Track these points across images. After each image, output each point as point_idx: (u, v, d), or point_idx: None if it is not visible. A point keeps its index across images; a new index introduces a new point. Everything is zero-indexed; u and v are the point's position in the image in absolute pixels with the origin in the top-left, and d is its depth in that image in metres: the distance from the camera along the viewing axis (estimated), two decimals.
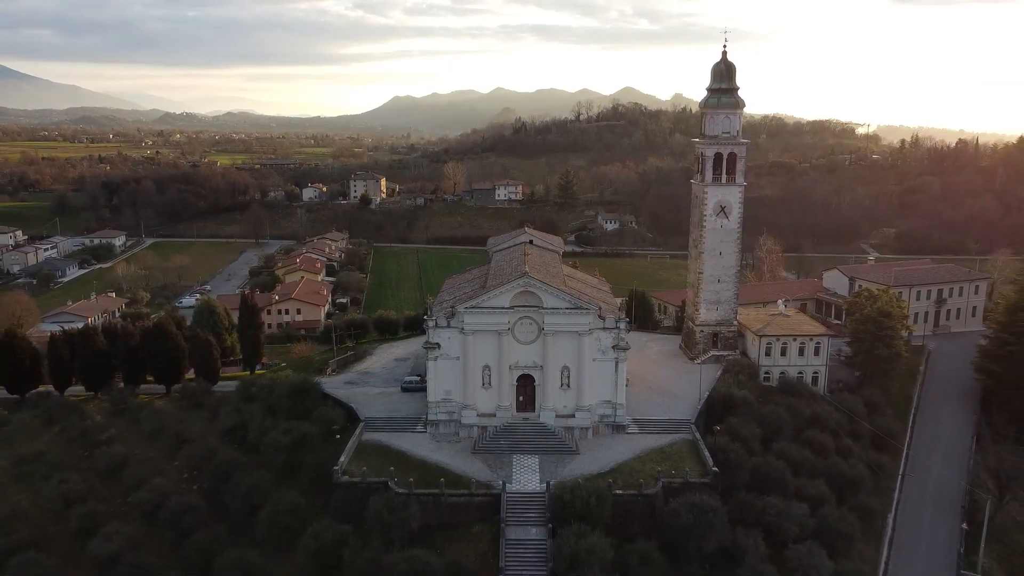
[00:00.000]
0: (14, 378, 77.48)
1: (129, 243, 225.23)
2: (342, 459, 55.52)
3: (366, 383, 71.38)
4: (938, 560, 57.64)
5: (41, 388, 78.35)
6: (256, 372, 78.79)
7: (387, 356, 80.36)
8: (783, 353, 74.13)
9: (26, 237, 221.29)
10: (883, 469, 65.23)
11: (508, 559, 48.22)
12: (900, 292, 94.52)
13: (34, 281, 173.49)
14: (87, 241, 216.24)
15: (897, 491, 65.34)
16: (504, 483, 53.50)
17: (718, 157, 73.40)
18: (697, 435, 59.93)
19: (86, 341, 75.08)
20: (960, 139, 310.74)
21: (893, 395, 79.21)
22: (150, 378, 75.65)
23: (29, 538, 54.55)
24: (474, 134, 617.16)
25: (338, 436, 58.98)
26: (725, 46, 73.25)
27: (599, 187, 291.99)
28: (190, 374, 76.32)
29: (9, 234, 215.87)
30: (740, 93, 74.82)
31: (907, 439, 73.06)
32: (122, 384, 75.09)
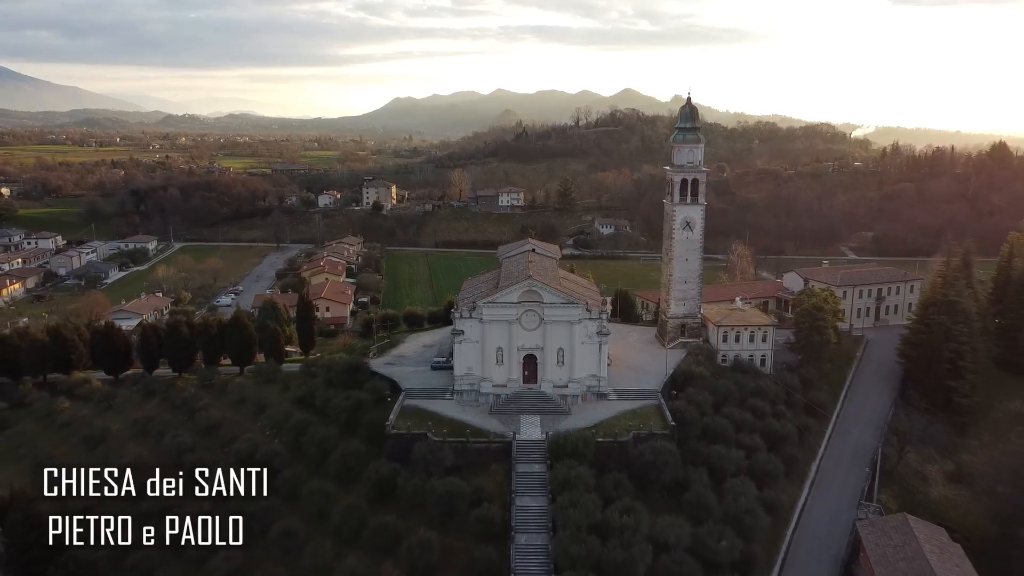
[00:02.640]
0: (112, 361, 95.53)
1: (160, 247, 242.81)
2: (391, 418, 73.11)
3: (402, 364, 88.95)
4: (847, 496, 74.96)
5: (132, 371, 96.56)
6: (309, 356, 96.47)
7: (416, 343, 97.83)
8: (737, 340, 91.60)
9: (65, 242, 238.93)
10: (810, 430, 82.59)
11: (518, 485, 65.80)
12: (844, 291, 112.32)
13: (82, 282, 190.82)
14: (122, 245, 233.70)
15: (823, 447, 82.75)
16: (514, 434, 71.19)
17: (684, 182, 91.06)
18: (662, 401, 77.40)
19: (173, 330, 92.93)
20: (937, 147, 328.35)
21: (830, 375, 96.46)
22: (225, 360, 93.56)
23: (155, 477, 72.17)
24: (476, 138, 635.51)
25: (388, 399, 76.80)
26: (689, 94, 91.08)
27: (596, 193, 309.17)
28: (257, 357, 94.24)
29: (50, 239, 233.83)
30: (701, 131, 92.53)
31: (838, 409, 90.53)
32: (203, 365, 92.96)
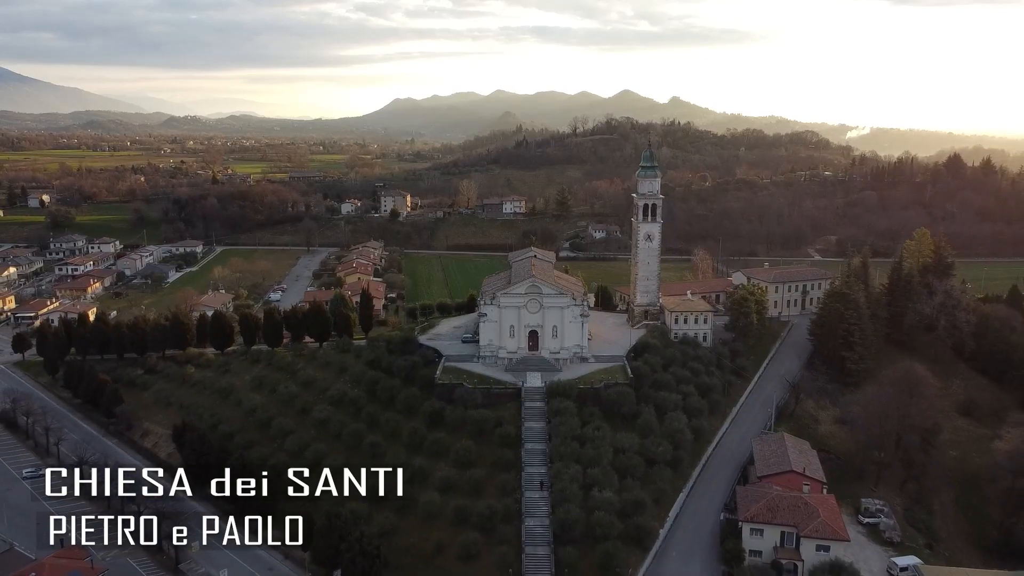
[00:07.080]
0: (221, 339, 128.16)
1: (204, 251, 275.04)
2: (438, 373, 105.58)
3: (440, 339, 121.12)
4: (755, 428, 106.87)
5: (233, 347, 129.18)
6: (369, 336, 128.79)
7: (448, 325, 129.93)
8: (685, 321, 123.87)
9: (122, 246, 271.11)
10: (734, 385, 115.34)
11: (525, 414, 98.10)
12: (777, 287, 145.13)
13: (149, 281, 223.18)
14: (173, 249, 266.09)
15: (743, 397, 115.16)
16: (523, 383, 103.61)
17: (646, 206, 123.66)
18: (626, 362, 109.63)
19: (269, 316, 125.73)
20: (900, 158, 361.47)
21: (757, 348, 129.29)
22: (308, 339, 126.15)
23: (276, 413, 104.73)
24: (478, 143, 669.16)
25: (435, 361, 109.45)
26: (650, 142, 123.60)
27: (591, 200, 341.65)
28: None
29: (111, 243, 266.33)
30: (659, 169, 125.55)
31: (759, 372, 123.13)
32: (291, 342, 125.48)
